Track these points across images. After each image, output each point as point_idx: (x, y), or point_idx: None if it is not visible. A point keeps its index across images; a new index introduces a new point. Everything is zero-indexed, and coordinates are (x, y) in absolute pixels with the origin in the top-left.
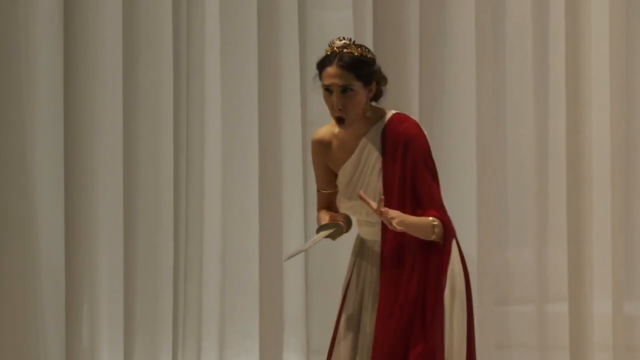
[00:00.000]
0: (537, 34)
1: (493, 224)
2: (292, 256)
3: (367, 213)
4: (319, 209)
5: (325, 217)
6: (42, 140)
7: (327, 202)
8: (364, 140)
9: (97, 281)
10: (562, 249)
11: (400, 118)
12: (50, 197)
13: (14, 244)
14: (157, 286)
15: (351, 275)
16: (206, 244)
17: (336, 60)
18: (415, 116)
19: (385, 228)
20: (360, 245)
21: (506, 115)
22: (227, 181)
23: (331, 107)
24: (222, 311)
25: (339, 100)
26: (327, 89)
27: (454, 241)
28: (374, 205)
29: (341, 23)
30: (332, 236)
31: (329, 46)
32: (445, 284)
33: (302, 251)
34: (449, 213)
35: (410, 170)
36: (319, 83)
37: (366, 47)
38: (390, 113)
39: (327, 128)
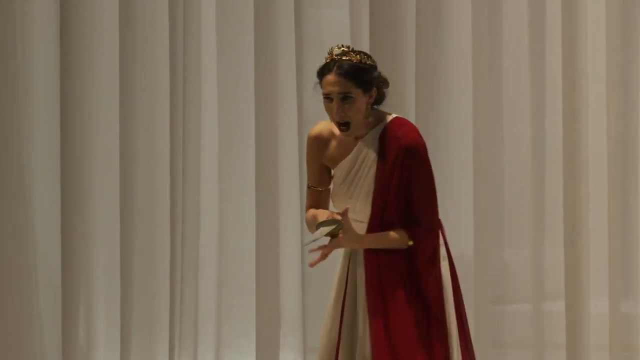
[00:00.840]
0: (533, 33)
1: (490, 223)
2: (311, 242)
3: (359, 212)
4: (308, 207)
5: (324, 214)
6: (39, 140)
7: (317, 201)
8: (362, 141)
9: (93, 281)
10: (558, 248)
11: (400, 122)
12: (46, 197)
13: (10, 244)
14: (154, 286)
15: (347, 276)
16: (203, 244)
17: (335, 68)
18: (411, 115)
19: (370, 229)
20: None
21: (503, 114)
22: (224, 181)
23: (332, 115)
24: (218, 311)
25: (339, 108)
26: (327, 97)
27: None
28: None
29: (338, 22)
30: (334, 233)
31: (328, 54)
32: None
33: (317, 239)
34: (446, 212)
35: (406, 181)
36: (320, 91)
37: (365, 54)
38: (390, 117)
39: (325, 125)
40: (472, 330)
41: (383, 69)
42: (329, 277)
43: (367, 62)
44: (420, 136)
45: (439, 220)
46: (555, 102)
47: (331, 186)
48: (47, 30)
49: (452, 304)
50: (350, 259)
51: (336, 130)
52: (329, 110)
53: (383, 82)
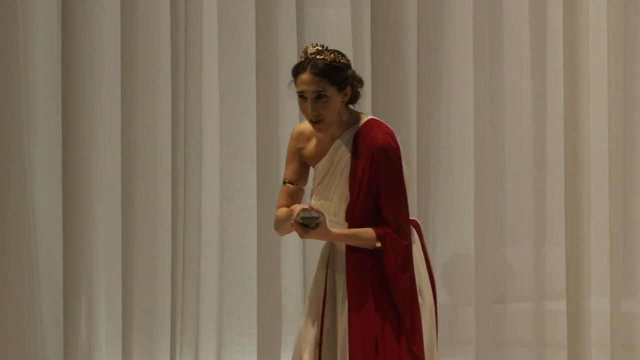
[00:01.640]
0: (534, 32)
1: (491, 222)
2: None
3: (333, 213)
4: (280, 206)
5: (302, 206)
6: (40, 139)
7: (290, 199)
8: (337, 143)
9: (95, 280)
10: (560, 247)
11: (373, 124)
12: (48, 196)
13: (12, 243)
14: (155, 284)
15: (326, 277)
16: (204, 242)
17: (309, 67)
18: (413, 114)
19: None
20: (331, 246)
21: (504, 113)
22: (225, 179)
23: (306, 114)
24: (220, 309)
25: (314, 106)
26: (302, 96)
27: (419, 250)
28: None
29: (339, 20)
30: (310, 224)
31: (303, 52)
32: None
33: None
34: (447, 211)
35: (375, 180)
36: (294, 89)
37: (339, 52)
38: (365, 118)
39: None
40: (473, 329)
41: (384, 67)
42: None
43: (341, 61)
44: (393, 138)
45: (409, 223)
46: (557, 102)
47: (305, 187)
48: (48, 30)
49: (431, 309)
50: (328, 266)
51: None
52: (303, 109)
53: (357, 81)
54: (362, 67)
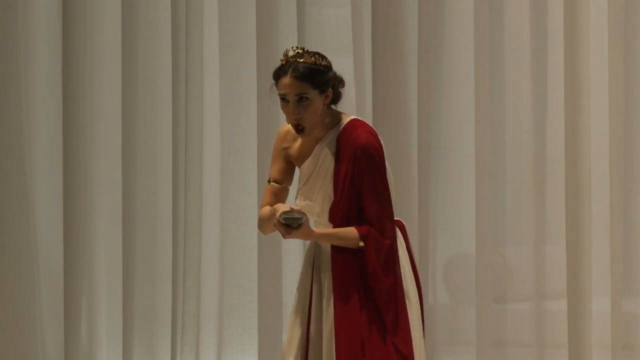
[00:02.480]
0: (535, 32)
1: (491, 222)
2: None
3: (317, 214)
4: (264, 204)
5: (286, 207)
6: (40, 139)
7: (274, 198)
8: (320, 144)
9: (95, 280)
10: (560, 246)
11: (355, 124)
12: (48, 196)
13: (12, 243)
14: (156, 285)
15: (312, 278)
16: (205, 243)
17: (290, 70)
18: (413, 113)
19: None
20: (316, 246)
21: (505, 113)
22: (225, 179)
23: (288, 117)
24: (220, 309)
25: (296, 110)
26: (283, 99)
27: (404, 250)
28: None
29: (339, 20)
30: (292, 225)
31: (283, 56)
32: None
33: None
34: (448, 211)
35: (358, 179)
36: (276, 92)
37: (320, 55)
38: (348, 118)
39: None
40: (473, 329)
41: (385, 67)
42: None
43: (322, 63)
44: (376, 138)
45: (393, 223)
46: (557, 102)
47: (290, 187)
48: (49, 30)
49: (417, 309)
50: (313, 266)
51: None
52: (285, 112)
53: (339, 82)
54: (362, 67)
